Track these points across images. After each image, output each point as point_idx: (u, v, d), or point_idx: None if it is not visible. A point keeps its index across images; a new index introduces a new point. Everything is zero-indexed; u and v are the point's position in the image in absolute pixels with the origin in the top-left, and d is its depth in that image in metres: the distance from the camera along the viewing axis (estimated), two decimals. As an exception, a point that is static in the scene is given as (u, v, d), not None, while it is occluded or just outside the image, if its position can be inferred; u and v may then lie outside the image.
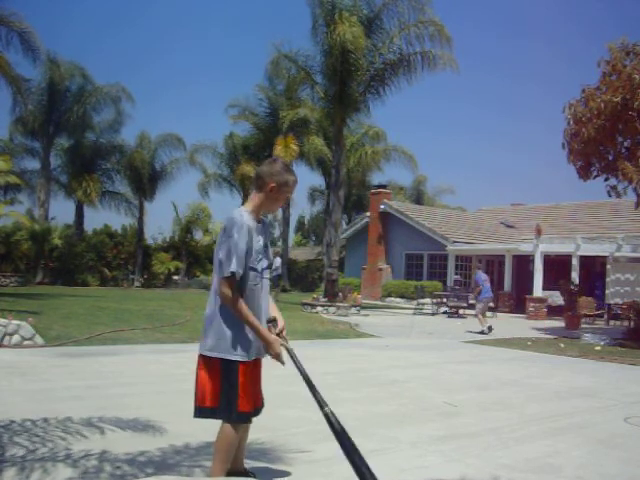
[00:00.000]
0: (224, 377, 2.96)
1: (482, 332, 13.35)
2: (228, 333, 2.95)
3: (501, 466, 3.85)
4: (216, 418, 3.05)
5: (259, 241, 3.06)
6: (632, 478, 3.83)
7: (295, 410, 5.09)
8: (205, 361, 3.00)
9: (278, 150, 27.96)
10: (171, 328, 11.09)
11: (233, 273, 2.86)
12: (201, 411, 3.06)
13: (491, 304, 20.82)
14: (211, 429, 4.41)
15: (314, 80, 20.36)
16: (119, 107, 30.47)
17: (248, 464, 3.45)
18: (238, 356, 2.94)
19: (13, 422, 4.30)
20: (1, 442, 3.84)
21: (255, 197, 3.12)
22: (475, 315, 14.25)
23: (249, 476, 3.23)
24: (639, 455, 4.30)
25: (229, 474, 3.11)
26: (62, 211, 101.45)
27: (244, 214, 3.01)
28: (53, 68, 27.63)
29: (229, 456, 3.05)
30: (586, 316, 17.97)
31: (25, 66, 33.23)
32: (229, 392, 2.95)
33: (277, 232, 43.23)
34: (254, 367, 3.08)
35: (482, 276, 14.28)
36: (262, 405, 3.22)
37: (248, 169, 30.91)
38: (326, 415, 2.91)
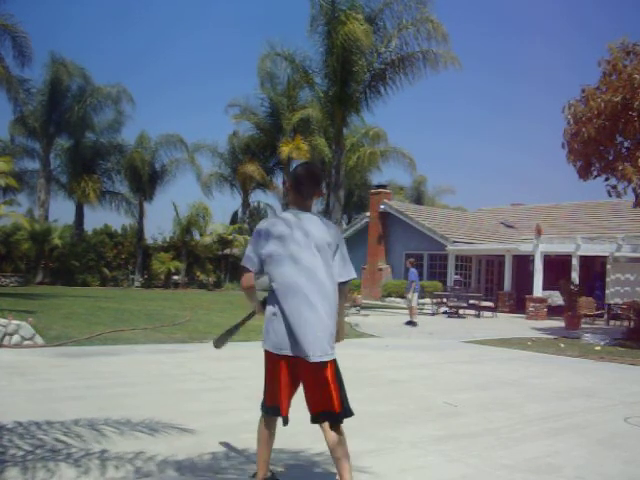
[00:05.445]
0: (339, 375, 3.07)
1: (414, 323, 14.91)
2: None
3: (501, 466, 3.85)
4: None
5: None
6: (632, 478, 3.83)
7: (295, 410, 5.08)
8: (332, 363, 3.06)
9: (286, 151, 27.98)
10: (171, 328, 11.09)
11: None
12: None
13: (490, 303, 20.91)
14: (210, 429, 4.42)
15: (313, 80, 20.37)
16: (119, 107, 30.56)
17: (248, 465, 3.44)
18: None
19: (13, 422, 4.30)
20: (2, 442, 3.84)
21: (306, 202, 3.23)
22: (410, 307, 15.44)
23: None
24: (639, 455, 4.30)
25: None
26: (62, 211, 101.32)
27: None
28: (55, 68, 27.65)
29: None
30: (586, 316, 17.95)
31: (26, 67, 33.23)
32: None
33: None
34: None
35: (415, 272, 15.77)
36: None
37: (252, 168, 30.89)
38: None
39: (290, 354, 2.93)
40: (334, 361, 2.98)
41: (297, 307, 2.92)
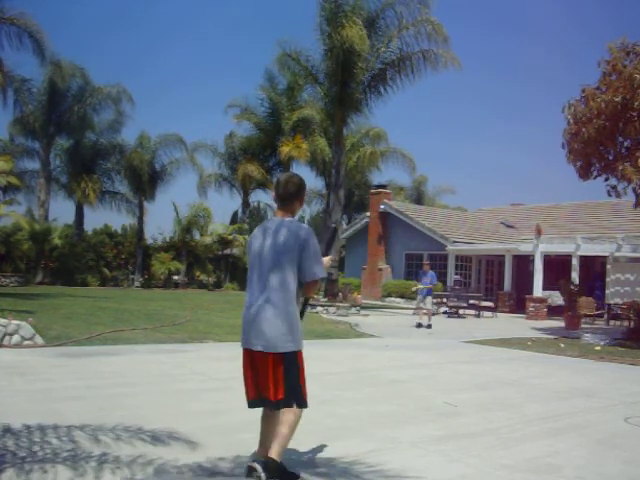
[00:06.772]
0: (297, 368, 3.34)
1: (429, 326, 14.57)
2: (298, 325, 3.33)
3: (501, 466, 3.85)
4: None
5: None
6: (632, 478, 3.83)
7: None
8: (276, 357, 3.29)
9: (286, 151, 27.94)
10: (171, 328, 11.09)
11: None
12: None
13: (490, 303, 20.90)
14: (211, 429, 4.42)
15: (316, 80, 20.38)
16: (119, 107, 30.51)
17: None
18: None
19: (13, 422, 4.30)
20: (1, 443, 3.83)
21: (297, 208, 3.49)
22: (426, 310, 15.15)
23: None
24: (639, 455, 4.30)
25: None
26: (62, 211, 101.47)
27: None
28: (54, 68, 27.62)
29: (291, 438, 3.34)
30: (586, 316, 17.96)
31: (25, 67, 33.43)
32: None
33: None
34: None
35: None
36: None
37: (251, 168, 30.82)
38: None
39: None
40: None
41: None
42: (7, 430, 4.11)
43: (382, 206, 26.84)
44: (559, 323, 17.20)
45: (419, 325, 14.82)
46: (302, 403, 3.27)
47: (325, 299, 18.46)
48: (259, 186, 33.26)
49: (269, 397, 3.23)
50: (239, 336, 3.37)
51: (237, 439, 4.15)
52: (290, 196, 3.40)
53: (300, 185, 3.45)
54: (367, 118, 23.84)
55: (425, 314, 14.99)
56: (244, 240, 32.39)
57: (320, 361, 8.34)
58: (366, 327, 13.77)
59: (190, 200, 33.26)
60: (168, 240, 33.11)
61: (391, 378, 7.10)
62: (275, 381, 3.20)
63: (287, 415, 3.22)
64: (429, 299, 15.19)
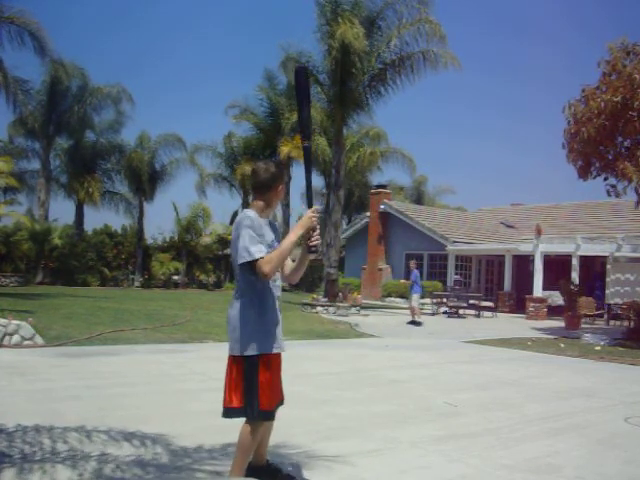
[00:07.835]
0: (246, 374, 3.03)
1: (417, 323, 15.12)
2: (247, 329, 3.02)
3: (501, 466, 3.85)
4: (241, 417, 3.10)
5: (271, 236, 3.13)
6: (632, 478, 3.83)
7: (295, 410, 5.08)
8: (232, 361, 3.10)
9: (285, 150, 27.96)
10: (171, 328, 11.09)
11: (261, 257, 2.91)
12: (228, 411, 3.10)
13: (490, 303, 20.90)
14: (211, 430, 4.41)
15: (316, 80, 20.38)
16: (119, 107, 30.51)
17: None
18: (257, 350, 3.00)
19: (13, 422, 4.30)
20: (0, 443, 3.83)
21: (272, 199, 3.19)
22: (411, 307, 15.59)
23: (271, 468, 3.31)
24: (639, 455, 4.30)
25: (253, 469, 3.20)
26: (62, 211, 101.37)
27: (251, 212, 3.07)
28: (55, 68, 27.61)
29: (249, 453, 3.10)
30: (586, 316, 17.95)
31: (23, 68, 33.47)
32: (251, 390, 3.00)
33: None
34: (275, 362, 3.12)
35: (417, 273, 15.95)
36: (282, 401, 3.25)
37: (248, 169, 30.88)
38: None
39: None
40: (234, 358, 3.09)
41: None
42: (7, 430, 4.11)
43: (382, 206, 26.84)
44: (559, 323, 17.20)
45: (411, 322, 15.29)
46: (254, 415, 2.99)
47: (325, 299, 18.45)
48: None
49: (224, 404, 3.08)
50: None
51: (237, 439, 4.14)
52: (261, 186, 3.13)
53: (274, 175, 3.13)
54: (368, 118, 23.84)
55: (414, 312, 15.40)
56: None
57: (320, 361, 8.35)
58: (366, 327, 13.77)
59: (190, 200, 33.35)
60: (168, 240, 33.11)
61: (391, 378, 7.10)
62: (229, 386, 3.08)
63: (241, 430, 3.06)
64: (414, 296, 15.46)
